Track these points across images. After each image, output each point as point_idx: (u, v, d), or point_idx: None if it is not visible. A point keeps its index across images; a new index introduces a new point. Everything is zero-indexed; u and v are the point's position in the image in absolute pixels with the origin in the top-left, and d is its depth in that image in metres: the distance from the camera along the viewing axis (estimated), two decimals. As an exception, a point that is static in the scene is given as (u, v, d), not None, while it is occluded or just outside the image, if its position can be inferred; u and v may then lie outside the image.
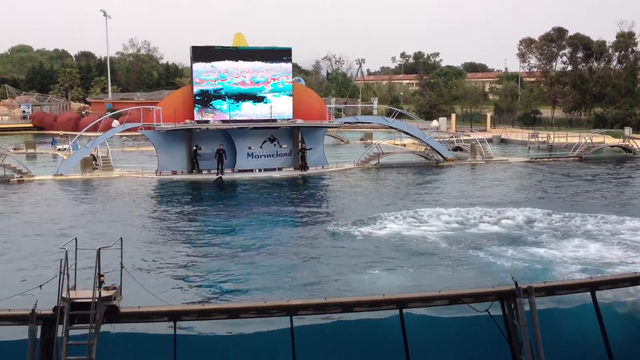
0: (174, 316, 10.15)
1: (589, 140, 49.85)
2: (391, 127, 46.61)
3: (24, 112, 79.64)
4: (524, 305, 10.04)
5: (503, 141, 62.98)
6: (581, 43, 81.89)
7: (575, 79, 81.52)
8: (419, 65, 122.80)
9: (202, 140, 38.37)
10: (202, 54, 38.46)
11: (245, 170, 39.07)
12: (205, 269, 18.73)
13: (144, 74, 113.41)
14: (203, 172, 38.07)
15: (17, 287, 15.22)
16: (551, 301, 11.82)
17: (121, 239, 10.64)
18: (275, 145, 40.31)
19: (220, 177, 36.68)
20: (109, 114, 56.07)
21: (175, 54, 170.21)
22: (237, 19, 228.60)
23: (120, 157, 45.94)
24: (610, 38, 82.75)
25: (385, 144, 47.74)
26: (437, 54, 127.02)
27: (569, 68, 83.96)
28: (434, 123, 69.61)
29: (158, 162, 38.25)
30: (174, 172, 38.23)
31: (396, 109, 51.83)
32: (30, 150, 50.78)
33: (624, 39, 79.81)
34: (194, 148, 38.06)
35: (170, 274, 18.33)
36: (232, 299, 15.85)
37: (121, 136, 54.30)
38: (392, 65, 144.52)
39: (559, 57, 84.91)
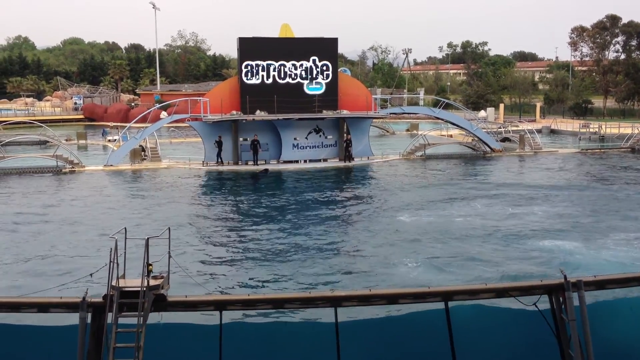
0: (219, 305, 10.26)
1: (642, 131, 48.33)
2: (437, 118, 46.09)
3: (75, 103, 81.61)
4: (574, 299, 9.83)
5: (553, 132, 61.64)
6: (635, 31, 79.44)
7: (629, 68, 79.16)
8: (467, 55, 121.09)
9: (248, 132, 38.69)
10: (249, 45, 38.71)
11: (291, 162, 39.24)
12: (252, 260, 18.89)
13: (192, 66, 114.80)
14: (248, 163, 38.39)
15: (69, 275, 15.69)
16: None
17: (169, 228, 10.82)
18: (320, 136, 40.35)
19: (266, 169, 36.96)
20: (158, 105, 57.03)
21: (223, 46, 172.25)
22: (284, 9, 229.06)
23: (168, 148, 46.70)
24: (665, 25, 79.97)
25: (431, 135, 47.27)
26: (485, 43, 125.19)
27: (622, 57, 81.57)
28: (482, 113, 68.58)
29: (205, 153, 38.73)
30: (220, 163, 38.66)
31: (443, 100, 51.24)
32: (82, 141, 52.09)
33: (681, 26, 77.00)
34: (253, 139, 38.38)
35: (217, 264, 18.57)
36: (277, 290, 15.96)
37: (169, 127, 55.17)
38: (439, 55, 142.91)
39: (611, 46, 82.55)
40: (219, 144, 38.27)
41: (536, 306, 10.33)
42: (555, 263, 17.16)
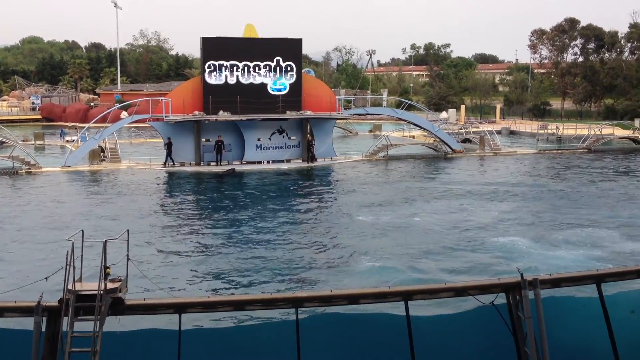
0: (179, 308, 10.15)
1: (598, 132, 49.55)
2: (400, 119, 46.47)
3: (33, 103, 79.93)
4: (529, 297, 10.01)
5: (512, 133, 62.71)
6: (593, 34, 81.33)
7: (586, 70, 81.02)
8: (429, 57, 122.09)
9: (211, 132, 38.43)
10: (212, 44, 38.47)
11: (254, 162, 39.09)
12: (213, 262, 18.78)
13: (154, 65, 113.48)
14: (211, 164, 38.13)
15: (23, 278, 15.35)
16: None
17: (128, 231, 10.67)
18: (284, 137, 40.29)
19: (233, 169, 36.80)
20: (118, 105, 56.24)
21: (186, 45, 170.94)
22: (248, 10, 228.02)
23: (128, 149, 46.08)
24: (622, 29, 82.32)
25: (394, 136, 47.62)
26: (447, 45, 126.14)
27: (580, 59, 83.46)
28: (443, 115, 69.37)
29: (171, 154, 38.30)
30: (182, 164, 38.32)
31: (405, 101, 51.69)
32: (39, 142, 50.97)
33: (637, 30, 79.13)
34: (217, 139, 38.16)
35: (177, 266, 18.38)
36: (239, 292, 15.89)
37: (130, 128, 54.44)
38: (403, 57, 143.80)
39: (570, 49, 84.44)
40: (169, 146, 37.90)
41: (494, 304, 10.49)
42: (513, 261, 17.45)
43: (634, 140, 50.69)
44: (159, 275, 16.67)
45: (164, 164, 37.95)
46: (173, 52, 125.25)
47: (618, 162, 41.65)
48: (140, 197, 29.01)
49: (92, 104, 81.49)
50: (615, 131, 52.52)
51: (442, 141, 44.32)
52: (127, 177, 34.77)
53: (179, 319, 10.11)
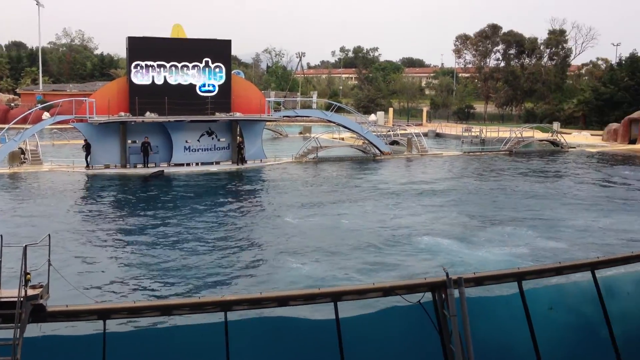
0: (103, 314, 9.89)
1: (519, 135, 51.45)
2: (330, 121, 46.83)
3: (-52, 103, 76.07)
4: (455, 295, 10.27)
5: (438, 135, 64.27)
6: (514, 40, 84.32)
7: (508, 75, 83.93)
8: (358, 60, 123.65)
9: (138, 134, 37.62)
10: (139, 44, 37.68)
11: (182, 164, 38.51)
12: (139, 267, 18.38)
13: (77, 65, 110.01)
14: (137, 166, 37.34)
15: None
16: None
17: (49, 235, 10.30)
18: (213, 138, 39.88)
19: (162, 170, 36.15)
20: (40, 105, 54.36)
21: (111, 45, 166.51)
22: (176, 9, 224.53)
23: (50, 151, 44.45)
24: (542, 35, 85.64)
25: (323, 138, 47.93)
26: (376, 49, 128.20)
27: (502, 64, 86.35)
28: (372, 117, 70.34)
29: (90, 155, 37.25)
30: (107, 166, 37.36)
31: (335, 103, 52.08)
32: (-45, 143, 48.58)
33: (555, 37, 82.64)
34: (144, 141, 37.37)
35: (101, 271, 17.90)
36: (166, 296, 15.62)
37: (52, 129, 52.61)
38: (332, 59, 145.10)
39: (492, 54, 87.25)
40: (87, 147, 36.94)
41: (420, 303, 10.70)
42: (439, 261, 17.89)
43: (552, 142, 52.85)
44: (83, 281, 16.20)
45: (87, 166, 36.89)
46: (98, 52, 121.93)
47: (538, 163, 43.32)
48: (62, 201, 28.06)
49: (12, 104, 78.18)
50: (535, 134, 54.66)
51: (371, 143, 44.95)
52: (49, 180, 33.56)
53: (104, 325, 9.85)
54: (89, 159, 36.94)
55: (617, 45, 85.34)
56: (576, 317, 11.21)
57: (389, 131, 53.40)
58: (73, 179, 34.14)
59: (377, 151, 44.67)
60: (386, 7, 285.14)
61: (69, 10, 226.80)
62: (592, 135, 61.88)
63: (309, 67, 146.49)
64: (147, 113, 36.98)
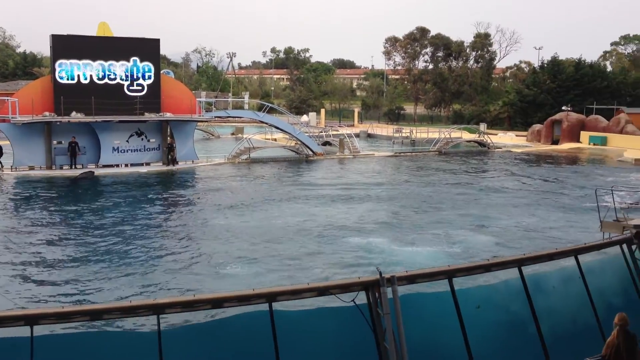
0: (30, 320, 9.52)
1: (447, 136, 52.75)
2: (262, 122, 46.69)
3: None
4: (388, 294, 10.42)
5: (370, 136, 65.09)
6: (442, 43, 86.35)
7: (436, 77, 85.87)
8: (290, 61, 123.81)
9: (64, 134, 36.44)
10: (63, 42, 36.52)
11: (111, 166, 37.56)
12: (68, 271, 17.82)
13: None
14: (64, 168, 36.19)
15: None
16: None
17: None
18: (142, 139, 39.06)
19: (92, 171, 35.16)
20: (-43, 105, 51.79)
21: (34, 43, 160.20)
22: (102, 9, 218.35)
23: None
24: (468, 38, 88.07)
25: (256, 139, 47.75)
26: (307, 50, 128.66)
27: (431, 66, 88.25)
28: (304, 118, 70.44)
29: (13, 157, 35.86)
30: (32, 168, 36.04)
31: (267, 104, 51.92)
32: None
33: (481, 40, 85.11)
34: (70, 141, 36.39)
35: (28, 276, 17.27)
36: (96, 300, 15.22)
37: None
38: (263, 60, 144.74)
39: (421, 56, 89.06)
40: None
41: (354, 302, 10.81)
42: (372, 260, 18.14)
43: (479, 143, 54.42)
44: (10, 287, 15.60)
45: (11, 167, 35.49)
46: (20, 50, 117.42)
47: (466, 163, 44.52)
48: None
49: None
50: (463, 135, 56.18)
51: (304, 144, 45.09)
52: (-32, 183, 32.11)
53: (31, 331, 9.50)
54: (0, 162, 35.71)
55: (540, 49, 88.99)
56: (505, 314, 11.58)
57: (321, 132, 53.71)
58: (-6, 182, 32.79)
59: (310, 152, 44.86)
60: (317, 9, 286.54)
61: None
62: (517, 136, 64.11)
63: (240, 68, 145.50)
64: (73, 113, 35.87)
